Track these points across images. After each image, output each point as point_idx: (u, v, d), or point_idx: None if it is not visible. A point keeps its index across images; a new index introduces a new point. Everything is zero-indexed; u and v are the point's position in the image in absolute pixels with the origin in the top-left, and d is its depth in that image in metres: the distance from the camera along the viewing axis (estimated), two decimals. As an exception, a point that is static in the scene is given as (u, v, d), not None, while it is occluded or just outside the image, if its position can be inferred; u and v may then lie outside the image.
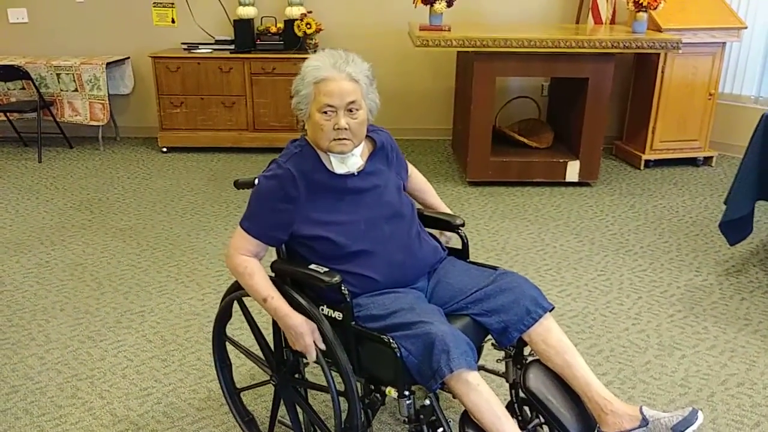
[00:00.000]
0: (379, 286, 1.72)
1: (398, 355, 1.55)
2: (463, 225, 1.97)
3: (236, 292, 1.85)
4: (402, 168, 1.91)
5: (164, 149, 4.92)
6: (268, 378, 1.90)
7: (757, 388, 2.24)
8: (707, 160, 4.76)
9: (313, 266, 1.68)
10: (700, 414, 1.57)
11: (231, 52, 4.72)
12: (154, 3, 4.97)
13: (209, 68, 4.68)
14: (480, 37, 3.88)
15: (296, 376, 1.87)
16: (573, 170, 4.28)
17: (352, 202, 1.74)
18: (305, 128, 1.76)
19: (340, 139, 1.67)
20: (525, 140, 4.50)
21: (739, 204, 2.85)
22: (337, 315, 1.67)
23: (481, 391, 1.54)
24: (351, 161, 1.73)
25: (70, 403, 2.18)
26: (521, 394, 1.74)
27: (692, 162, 4.75)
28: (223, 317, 1.96)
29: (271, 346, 1.87)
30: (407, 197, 1.88)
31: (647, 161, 4.69)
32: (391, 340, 1.57)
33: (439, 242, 1.93)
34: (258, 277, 1.70)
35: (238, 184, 1.94)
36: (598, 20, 4.82)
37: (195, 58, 4.68)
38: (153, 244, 3.41)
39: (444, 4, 4.02)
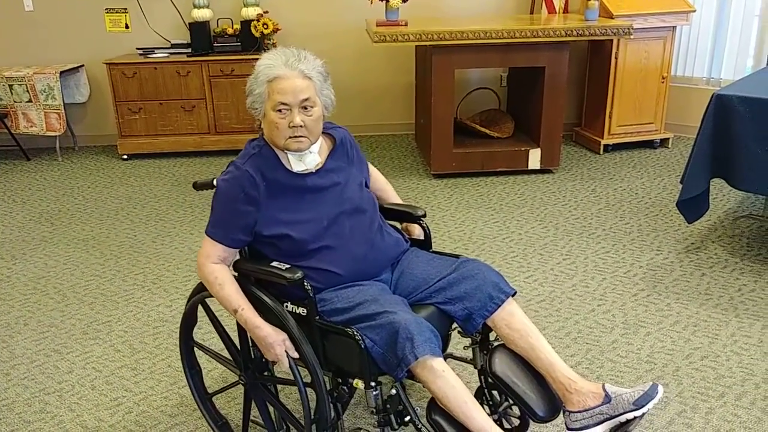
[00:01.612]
0: (342, 280, 1.74)
1: (362, 346, 1.57)
2: (424, 216, 2.00)
3: (199, 294, 1.84)
4: (363, 164, 1.93)
5: (124, 157, 4.84)
6: (238, 379, 1.89)
7: (720, 361, 2.32)
8: (663, 142, 4.88)
9: (275, 264, 1.69)
10: (660, 388, 1.62)
11: (188, 56, 4.66)
12: (107, 9, 4.87)
13: (166, 73, 4.62)
14: (437, 30, 3.91)
15: (264, 373, 1.87)
16: (535, 158, 4.34)
17: (313, 200, 1.75)
18: (261, 127, 1.76)
19: (295, 136, 1.68)
20: (486, 131, 4.55)
21: (695, 182, 2.93)
22: (302, 311, 1.68)
23: (447, 378, 1.56)
24: (309, 159, 1.74)
25: (39, 417, 2.14)
26: (490, 379, 1.77)
27: (649, 144, 4.87)
28: (188, 321, 1.95)
29: (238, 345, 1.86)
30: (368, 192, 1.89)
31: (606, 146, 4.78)
32: (355, 332, 1.59)
33: (402, 234, 1.95)
34: (228, 287, 1.70)
35: (197, 186, 1.94)
36: (551, 10, 4.89)
37: (151, 63, 4.60)
38: (117, 252, 3.36)
39: (399, -1, 4.04)
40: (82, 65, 4.92)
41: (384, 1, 4.08)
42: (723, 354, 2.35)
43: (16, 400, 2.23)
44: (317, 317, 1.67)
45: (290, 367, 1.67)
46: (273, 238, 1.72)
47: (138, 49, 4.76)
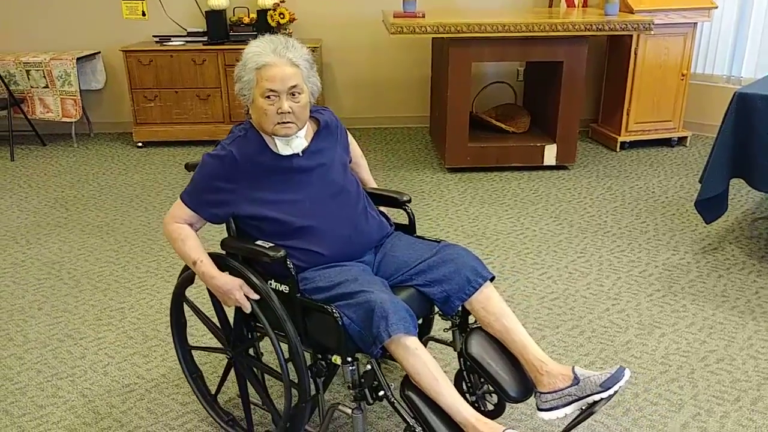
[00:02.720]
0: (325, 260, 1.79)
1: (340, 323, 1.62)
2: (409, 201, 2.05)
3: (179, 287, 1.90)
4: (347, 145, 1.98)
5: (139, 144, 4.85)
6: (225, 353, 1.94)
7: (736, 364, 2.29)
8: (681, 140, 4.82)
9: (259, 242, 1.74)
10: (627, 371, 1.66)
11: (204, 44, 4.66)
12: (124, -5, 4.88)
13: (182, 61, 4.62)
14: (455, 23, 3.87)
15: (251, 352, 1.92)
16: (550, 154, 4.30)
17: (298, 181, 1.80)
18: (249, 113, 1.80)
19: (284, 122, 1.73)
20: (502, 125, 4.51)
21: (714, 182, 2.89)
22: (284, 288, 1.74)
23: (419, 355, 1.60)
24: (296, 143, 1.79)
25: (51, 402, 2.15)
26: (468, 362, 1.81)
27: (666, 143, 4.81)
28: (178, 323, 2.04)
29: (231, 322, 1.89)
30: (352, 174, 1.95)
31: (623, 143, 4.74)
32: (333, 310, 1.63)
33: (387, 218, 2.00)
34: (190, 242, 1.76)
35: (189, 166, 2.00)
36: (570, 3, 4.84)
37: (167, 50, 4.60)
38: (131, 240, 3.37)
39: (418, -10, 4.00)
40: (99, 52, 4.93)
41: (402, -8, 4.05)
42: (739, 357, 2.32)
43: (29, 384, 2.25)
44: (299, 295, 1.71)
45: (269, 337, 1.72)
46: (257, 219, 1.77)
47: (154, 36, 4.77)
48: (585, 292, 2.79)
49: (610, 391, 1.62)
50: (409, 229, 2.05)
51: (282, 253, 1.67)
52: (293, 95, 1.72)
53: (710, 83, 4.92)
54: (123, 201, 3.89)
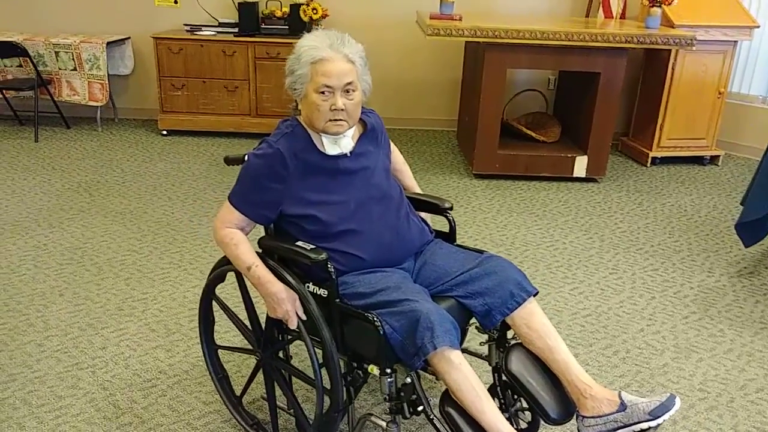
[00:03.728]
0: (365, 265, 1.73)
1: (381, 332, 1.55)
2: (451, 208, 1.98)
3: (227, 266, 1.82)
4: (389, 150, 1.92)
5: (164, 132, 4.81)
6: (254, 355, 1.88)
7: (777, 394, 2.20)
8: (713, 159, 4.72)
9: (299, 243, 1.68)
10: (677, 400, 1.58)
11: (235, 35, 4.61)
12: (156, -18, 4.85)
13: (212, 51, 4.57)
14: (492, 27, 3.80)
15: (281, 355, 1.87)
16: (581, 165, 4.22)
17: (342, 182, 1.74)
18: (297, 108, 1.75)
19: (336, 120, 1.67)
20: (532, 134, 4.44)
21: (757, 206, 2.80)
22: (323, 292, 1.68)
23: (463, 370, 1.55)
24: (344, 142, 1.73)
25: (71, 393, 2.10)
26: (503, 378, 1.76)
27: (698, 161, 4.71)
28: (206, 320, 1.98)
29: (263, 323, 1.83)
30: (394, 180, 1.89)
31: (654, 158, 4.64)
32: (374, 318, 1.57)
33: (427, 225, 1.94)
34: (243, 246, 1.70)
35: (229, 160, 1.95)
36: (608, 14, 4.75)
37: (198, 40, 4.56)
38: (154, 229, 3.32)
39: (456, -8, 3.93)
40: (129, 37, 4.90)
41: (440, -6, 3.98)
42: (781, 388, 2.24)
43: (48, 373, 2.20)
44: (338, 299, 1.65)
45: (305, 342, 1.66)
46: (299, 218, 1.72)
47: (185, 25, 4.72)
48: (618, 311, 2.71)
49: (659, 420, 1.55)
50: (450, 236, 1.98)
51: (323, 255, 1.61)
52: (347, 92, 1.66)
53: (746, 103, 4.81)
54: (147, 189, 3.84)
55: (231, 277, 1.88)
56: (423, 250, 1.85)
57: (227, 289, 2.63)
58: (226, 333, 2.42)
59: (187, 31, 4.68)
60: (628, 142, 4.88)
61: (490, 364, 1.88)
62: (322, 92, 1.64)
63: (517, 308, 1.71)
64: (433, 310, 1.54)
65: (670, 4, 4.02)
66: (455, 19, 3.99)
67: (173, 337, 2.42)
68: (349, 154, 1.74)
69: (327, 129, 1.68)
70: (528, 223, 3.59)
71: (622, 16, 4.76)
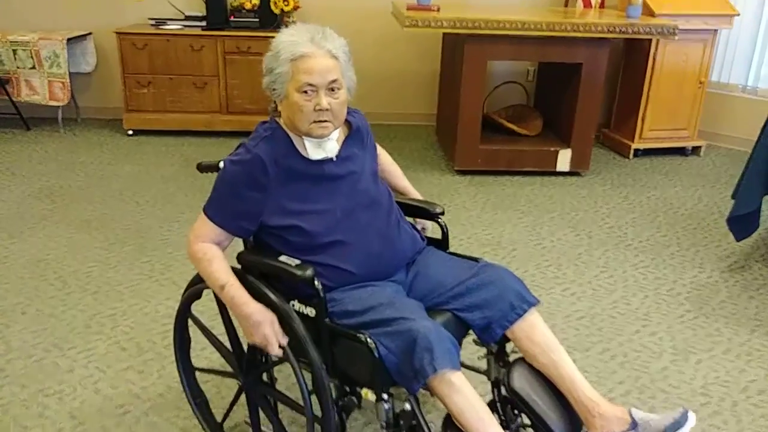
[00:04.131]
0: (355, 280, 1.59)
1: (376, 354, 1.42)
2: (442, 213, 1.86)
3: (203, 283, 1.67)
4: (375, 152, 1.78)
5: (130, 132, 4.59)
6: (237, 381, 1.75)
7: (780, 396, 2.14)
8: (695, 150, 4.68)
9: (283, 258, 1.54)
10: (691, 415, 1.50)
11: (203, 29, 4.41)
12: (119, -26, 4.61)
13: (179, 46, 4.36)
14: (472, 18, 3.67)
15: (264, 378, 1.74)
16: (564, 159, 4.13)
17: (327, 189, 1.60)
18: (277, 110, 1.60)
19: (320, 121, 1.53)
20: (514, 127, 4.33)
21: (748, 199, 2.74)
22: (310, 311, 1.54)
23: (465, 393, 1.43)
24: (328, 146, 1.59)
25: (38, 423, 1.93)
26: (503, 393, 1.65)
27: (680, 152, 4.66)
28: (182, 340, 1.83)
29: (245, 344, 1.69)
30: (383, 184, 1.75)
31: (636, 150, 4.58)
32: (368, 338, 1.44)
33: (418, 231, 1.81)
34: (217, 263, 1.55)
35: (202, 167, 1.79)
36: (587, 4, 4.67)
37: (164, 34, 4.34)
38: (122, 237, 3.13)
39: (434, -18, 3.80)
40: (90, 33, 4.65)
41: (417, -16, 3.84)
42: (784, 390, 2.17)
43: (12, 401, 2.02)
44: (327, 319, 1.51)
45: (292, 366, 1.51)
46: (282, 229, 1.57)
47: (150, 19, 4.50)
48: (612, 311, 2.62)
49: None
50: (442, 243, 1.85)
51: (310, 272, 1.47)
52: (332, 90, 1.52)
53: (726, 92, 4.78)
54: (113, 194, 3.64)
55: (208, 292, 1.73)
56: (415, 259, 1.73)
57: (204, 302, 2.47)
58: (203, 350, 2.26)
59: (152, 25, 4.45)
60: (610, 134, 4.81)
61: (488, 379, 1.77)
62: (305, 91, 1.50)
63: (517, 320, 1.59)
64: (431, 328, 1.41)
65: (651, -8, 3.94)
66: (433, 10, 3.86)
67: (146, 356, 2.26)
68: (335, 158, 1.60)
69: (311, 131, 1.54)
70: (513, 220, 3.49)
71: (601, 5, 4.67)
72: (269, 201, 1.55)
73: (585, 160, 4.15)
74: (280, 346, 1.51)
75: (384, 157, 1.88)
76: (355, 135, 1.68)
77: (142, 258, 2.94)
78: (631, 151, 4.56)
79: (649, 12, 4.18)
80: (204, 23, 4.46)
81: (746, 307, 2.67)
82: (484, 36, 3.74)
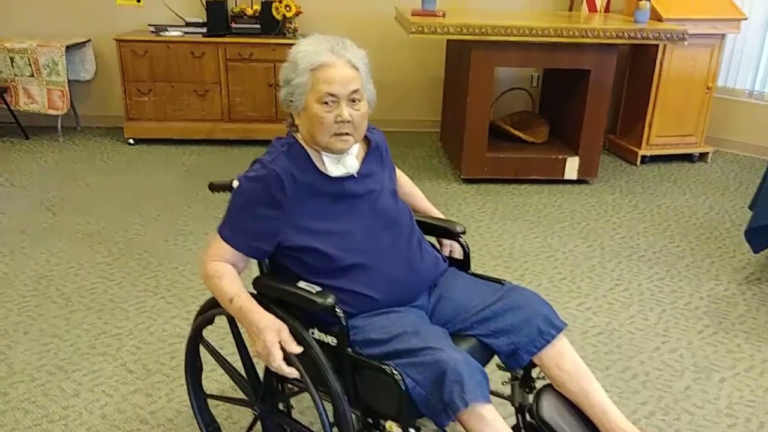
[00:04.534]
0: (377, 306, 1.52)
1: (402, 386, 1.35)
2: (464, 232, 1.79)
3: (216, 308, 1.60)
4: (393, 171, 1.72)
5: (131, 141, 4.52)
6: (248, 400, 1.68)
7: (808, 417, 2.08)
8: (702, 156, 4.63)
9: (302, 284, 1.46)
10: None
11: (204, 36, 4.34)
12: (118, -20, 4.53)
13: (180, 53, 4.29)
14: (479, 24, 3.61)
15: (281, 407, 1.66)
16: (572, 167, 4.08)
17: (346, 208, 1.53)
18: (294, 124, 1.54)
19: (341, 133, 1.47)
20: (521, 134, 4.28)
21: (766, 211, 2.68)
22: (330, 340, 1.46)
23: (498, 428, 1.36)
24: (348, 161, 1.52)
25: (41, 453, 1.86)
26: (528, 419, 1.60)
27: (687, 158, 4.62)
28: (193, 367, 1.77)
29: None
30: (403, 202, 1.68)
31: (644, 157, 4.53)
32: (394, 371, 1.36)
33: (439, 252, 1.74)
34: (228, 279, 1.48)
35: (214, 187, 1.72)
36: (592, 8, 4.61)
37: (164, 41, 4.28)
38: (126, 251, 3.06)
39: (441, -12, 3.74)
40: (89, 40, 4.57)
41: (422, -10, 3.77)
42: (811, 410, 2.12)
43: (15, 428, 1.95)
44: (349, 348, 1.44)
45: (311, 395, 1.43)
46: (299, 251, 1.50)
47: (150, 25, 4.43)
48: (630, 327, 2.56)
49: None
50: (464, 264, 1.79)
51: (331, 299, 1.40)
52: (353, 102, 1.47)
53: (733, 97, 4.73)
54: (115, 205, 3.56)
55: (221, 318, 1.66)
56: (437, 282, 1.66)
57: (217, 329, 2.40)
58: (212, 371, 2.19)
59: (152, 32, 4.39)
60: (616, 140, 4.76)
61: (512, 405, 1.71)
62: (326, 102, 1.44)
63: (546, 346, 1.53)
64: (460, 360, 1.35)
65: (660, -3, 3.89)
66: (438, 16, 3.80)
67: (154, 379, 2.18)
68: (356, 175, 1.53)
69: (330, 145, 1.48)
70: (524, 231, 3.43)
71: (606, 9, 4.63)
72: (287, 220, 1.49)
73: (593, 167, 4.09)
74: (290, 363, 1.39)
75: (403, 179, 1.81)
76: (374, 152, 1.62)
77: (146, 273, 2.86)
78: (638, 158, 4.51)
79: (656, 16, 4.13)
80: (205, 30, 4.40)
81: (766, 322, 2.62)
82: (490, 42, 3.69)
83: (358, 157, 1.58)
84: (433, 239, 1.81)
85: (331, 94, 1.44)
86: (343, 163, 1.52)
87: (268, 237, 1.49)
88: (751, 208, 2.77)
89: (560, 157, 4.07)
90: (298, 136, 1.55)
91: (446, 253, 1.80)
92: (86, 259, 2.97)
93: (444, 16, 3.82)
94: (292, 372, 1.39)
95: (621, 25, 3.80)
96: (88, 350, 2.32)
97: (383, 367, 1.38)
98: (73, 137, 4.68)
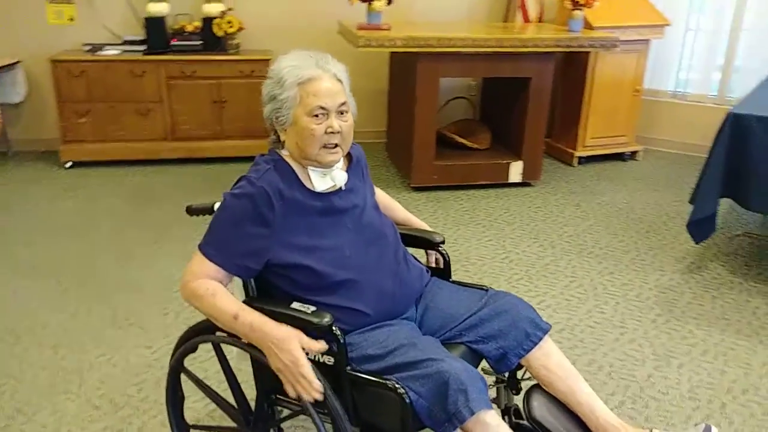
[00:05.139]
0: (369, 321, 1.54)
1: (407, 401, 1.37)
2: (443, 242, 1.83)
3: (200, 336, 1.56)
4: (372, 185, 1.75)
5: (68, 164, 4.33)
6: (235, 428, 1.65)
7: (762, 393, 2.23)
8: (633, 155, 4.88)
9: (296, 305, 1.45)
10: (714, 430, 1.54)
11: (143, 54, 4.22)
12: (48, -1, 4.34)
13: (119, 72, 4.15)
14: (425, 36, 3.69)
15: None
16: (516, 171, 4.21)
17: (333, 223, 1.54)
18: (279, 140, 1.55)
19: (331, 145, 1.49)
20: (466, 142, 4.38)
21: (706, 203, 2.86)
22: (327, 359, 1.45)
23: None
24: (337, 176, 1.54)
25: (11, 500, 1.76)
26: (515, 420, 1.66)
27: (620, 157, 4.85)
28: (174, 398, 1.71)
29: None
30: (385, 216, 1.71)
31: (580, 158, 4.73)
32: (396, 385, 1.38)
33: (420, 263, 1.77)
34: (223, 295, 1.44)
35: (192, 210, 1.69)
36: (526, 19, 4.79)
37: (101, 60, 4.13)
38: (75, 281, 2.93)
39: (384, 1, 3.79)
40: (19, 61, 4.35)
41: (366, 2, 3.82)
42: (762, 386, 2.27)
43: (-23, 477, 1.83)
44: (348, 367, 1.44)
45: (311, 417, 1.40)
46: (289, 268, 1.49)
47: (85, 44, 4.27)
48: (589, 321, 2.67)
49: None
50: (444, 273, 1.82)
51: (328, 319, 1.39)
52: (341, 114, 1.49)
53: (658, 99, 5.02)
54: (57, 233, 3.40)
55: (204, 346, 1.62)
56: (422, 293, 1.69)
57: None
58: (188, 396, 2.13)
59: (88, 51, 4.23)
60: (552, 143, 4.94)
61: (498, 407, 1.75)
62: (316, 115, 1.46)
63: (533, 348, 1.58)
64: (461, 369, 1.37)
65: (591, 6, 4.09)
66: (384, 29, 3.85)
67: (123, 413, 2.10)
68: (343, 187, 1.55)
69: (320, 157, 1.49)
70: (477, 235, 3.51)
71: (539, 19, 4.82)
72: (275, 237, 1.47)
73: (536, 170, 4.24)
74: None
75: (380, 192, 1.84)
76: (356, 167, 1.64)
77: (101, 303, 2.75)
78: (575, 159, 4.71)
79: (588, 25, 4.33)
80: (144, 47, 4.28)
81: (713, 307, 2.79)
82: (436, 54, 3.77)
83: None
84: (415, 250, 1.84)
85: (322, 107, 1.46)
86: (332, 176, 1.53)
87: (256, 255, 1.47)
88: (691, 202, 2.94)
89: (504, 161, 4.19)
90: (283, 153, 1.55)
91: (432, 262, 1.82)
92: (33, 292, 2.83)
93: (389, 29, 3.88)
94: (318, 386, 1.35)
95: (558, 35, 3.97)
96: (47, 389, 2.21)
97: (386, 382, 1.39)
98: (4, 163, 4.43)
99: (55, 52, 4.25)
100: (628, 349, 2.48)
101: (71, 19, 4.38)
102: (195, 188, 4.05)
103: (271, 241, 1.47)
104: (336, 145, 1.50)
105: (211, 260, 1.46)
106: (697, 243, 3.11)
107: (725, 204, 3.10)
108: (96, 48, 4.22)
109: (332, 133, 1.47)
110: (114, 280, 2.93)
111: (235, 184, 1.52)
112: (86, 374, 2.28)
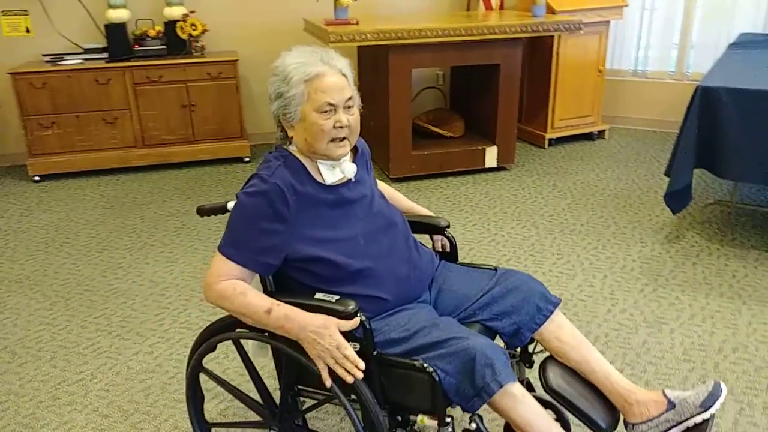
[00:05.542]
0: (389, 306, 1.57)
1: (437, 379, 1.40)
2: (448, 226, 1.87)
3: (220, 335, 1.55)
4: (374, 175, 1.77)
5: (36, 178, 4.21)
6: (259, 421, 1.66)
7: (751, 351, 2.34)
8: (601, 134, 5.02)
9: (320, 295, 1.46)
10: (723, 386, 1.59)
11: (107, 61, 4.14)
12: (3, 11, 4.20)
13: (83, 81, 4.06)
14: (395, 29, 3.72)
15: (297, 423, 1.65)
16: (491, 156, 4.29)
17: (345, 215, 1.57)
18: (287, 137, 1.57)
19: (339, 138, 1.51)
20: (440, 131, 4.43)
21: (682, 175, 2.97)
22: (354, 346, 1.45)
23: (529, 403, 1.45)
24: (346, 167, 1.56)
25: None
26: (532, 393, 1.67)
27: (588, 136, 4.98)
28: (195, 396, 1.71)
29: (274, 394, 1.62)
30: (393, 205, 1.73)
31: (550, 140, 4.84)
32: (425, 365, 1.41)
33: (427, 248, 1.81)
34: (253, 292, 1.45)
35: (203, 211, 1.69)
36: (488, 6, 4.87)
37: (63, 70, 4.03)
38: (63, 293, 2.87)
39: (352, -5, 3.81)
40: (-25, 75, 4.22)
41: (334, -2, 3.82)
42: (750, 344, 2.38)
43: (-9, 497, 1.79)
44: (375, 352, 1.46)
45: (341, 402, 1.42)
46: (307, 262, 1.51)
47: (44, 55, 4.16)
48: (580, 295, 2.76)
49: (712, 410, 1.54)
50: (452, 256, 1.86)
51: (353, 306, 1.41)
52: (348, 108, 1.51)
53: (620, 78, 5.17)
54: (37, 247, 3.32)
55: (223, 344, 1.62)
56: (434, 276, 1.72)
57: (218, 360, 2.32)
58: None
59: (48, 62, 4.12)
60: (522, 127, 5.04)
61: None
62: (324, 111, 1.47)
63: (545, 322, 1.64)
64: (485, 344, 1.41)
65: (553, -9, 4.18)
66: (352, 23, 3.86)
67: (133, 420, 2.08)
68: (353, 179, 1.57)
69: (329, 151, 1.51)
70: (461, 221, 3.56)
71: (501, 6, 4.90)
72: (292, 232, 1.49)
73: (510, 154, 4.32)
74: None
75: (382, 184, 1.85)
76: (361, 158, 1.66)
77: (93, 313, 2.70)
78: (546, 141, 4.82)
79: (550, 10, 4.43)
80: (106, 55, 4.19)
81: (694, 274, 2.91)
82: (406, 45, 3.80)
83: None
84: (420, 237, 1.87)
85: (330, 103, 1.48)
86: (341, 168, 1.55)
87: (274, 251, 1.48)
88: (666, 174, 3.05)
89: (479, 147, 4.26)
90: (291, 148, 1.56)
91: (438, 247, 1.86)
92: (21, 307, 2.76)
93: (357, 23, 3.89)
94: (362, 365, 1.38)
95: (525, 21, 4.04)
96: (51, 402, 2.17)
97: (414, 363, 1.41)
98: (-33, 182, 4.29)
99: (15, 64, 4.14)
100: (621, 319, 2.57)
101: (28, 31, 4.26)
102: (172, 193, 3.99)
103: (288, 236, 1.48)
104: (344, 139, 1.52)
105: (231, 260, 1.47)
106: (674, 213, 3.23)
107: (694, 175, 3.23)
108: (56, 58, 4.11)
109: (340, 127, 1.49)
110: (104, 290, 2.88)
111: (247, 182, 1.52)
112: (89, 384, 2.25)
